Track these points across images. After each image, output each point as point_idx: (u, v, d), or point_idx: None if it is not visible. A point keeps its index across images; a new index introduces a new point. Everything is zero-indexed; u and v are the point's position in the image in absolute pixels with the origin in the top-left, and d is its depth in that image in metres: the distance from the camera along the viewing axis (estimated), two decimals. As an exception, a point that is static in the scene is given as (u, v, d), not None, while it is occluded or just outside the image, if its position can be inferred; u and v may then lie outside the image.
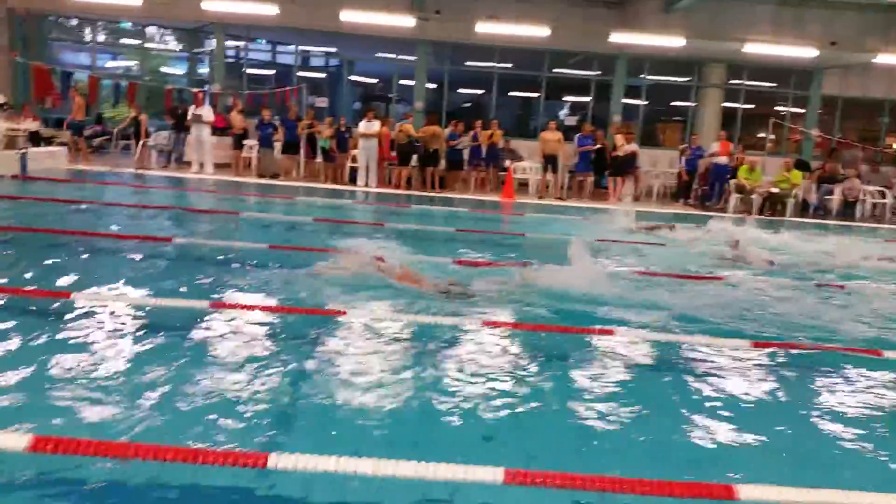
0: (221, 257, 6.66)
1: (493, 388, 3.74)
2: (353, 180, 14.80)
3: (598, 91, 18.45)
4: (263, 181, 14.34)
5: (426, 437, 3.16)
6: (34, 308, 4.62)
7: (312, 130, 14.66)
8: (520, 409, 3.51)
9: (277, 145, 15.01)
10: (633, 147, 15.06)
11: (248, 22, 17.04)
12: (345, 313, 4.79)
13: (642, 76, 18.42)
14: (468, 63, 19.04)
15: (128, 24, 19.18)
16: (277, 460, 2.50)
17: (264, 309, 4.93)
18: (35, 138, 14.84)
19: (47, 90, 15.47)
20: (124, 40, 20.34)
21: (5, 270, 5.66)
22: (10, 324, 4.27)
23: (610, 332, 4.69)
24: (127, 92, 16.04)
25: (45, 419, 3.02)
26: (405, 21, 15.77)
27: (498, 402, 3.57)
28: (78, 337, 4.12)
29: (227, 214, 9.21)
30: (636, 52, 17.22)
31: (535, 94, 18.82)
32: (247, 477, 2.64)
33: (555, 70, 18.35)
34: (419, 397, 3.57)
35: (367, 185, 14.42)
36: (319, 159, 15.04)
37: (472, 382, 3.79)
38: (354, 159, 14.83)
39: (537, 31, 15.62)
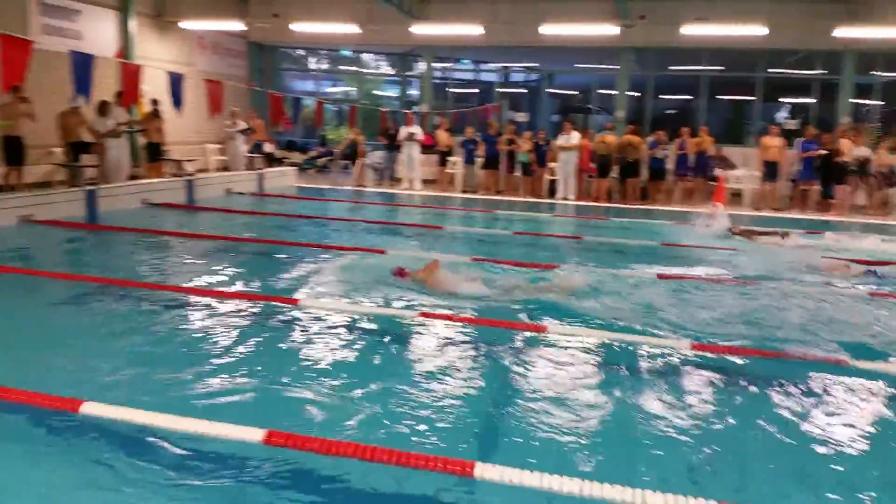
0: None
1: (699, 414, 3.53)
2: (552, 193, 14.79)
3: (823, 91, 16.77)
4: (466, 196, 14.82)
5: (633, 461, 3.06)
6: (268, 312, 5.16)
7: (512, 147, 14.88)
8: (729, 439, 3.28)
9: (479, 160, 15.45)
10: (865, 152, 13.46)
11: (454, 43, 17.74)
12: (545, 329, 4.79)
13: (875, 73, 16.44)
14: (673, 67, 18.25)
15: (347, 52, 20.85)
16: (483, 470, 2.57)
17: (469, 321, 5.07)
18: (269, 159, 16.64)
19: (280, 115, 17.24)
20: (343, 67, 22.14)
21: (245, 277, 6.38)
22: (246, 326, 4.82)
23: (841, 362, 4.23)
24: (349, 115, 17.37)
25: (276, 415, 3.36)
26: (608, 30, 15.48)
27: (704, 429, 3.37)
28: (303, 340, 4.55)
29: (433, 229, 9.65)
30: (867, 47, 15.40)
31: (749, 97, 17.55)
32: (451, 483, 2.73)
33: (771, 70, 16.99)
34: (624, 419, 3.47)
35: (565, 197, 14.33)
36: (518, 173, 15.23)
37: (678, 407, 3.61)
38: (553, 172, 14.83)
39: (753, 31, 14.54)
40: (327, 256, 7.36)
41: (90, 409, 3.08)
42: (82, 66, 8.41)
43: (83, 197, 9.38)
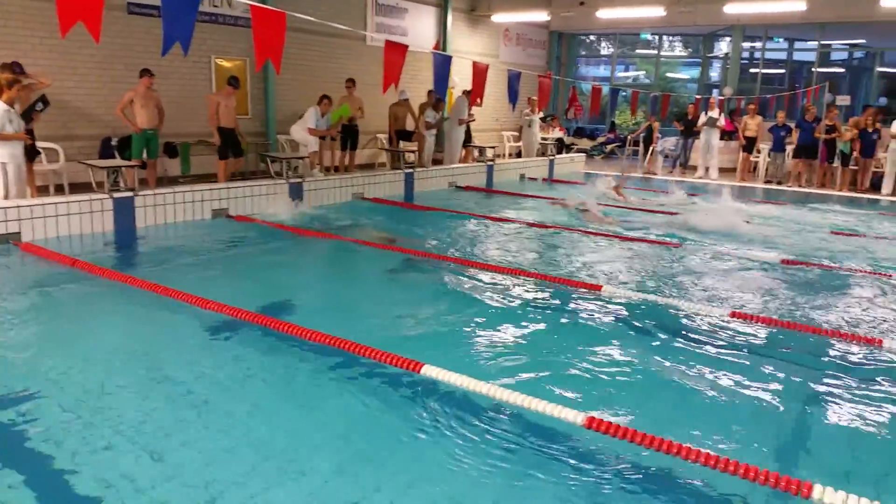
0: (729, 265, 6.65)
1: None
2: (875, 187, 13.02)
3: None
4: (770, 187, 13.66)
5: None
6: (570, 295, 5.35)
7: (833, 135, 13.29)
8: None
9: (789, 149, 14.13)
10: None
11: (768, 21, 16.34)
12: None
13: None
14: None
15: (646, 36, 20.32)
16: (823, 493, 2.42)
17: (774, 323, 4.75)
18: (560, 146, 16.98)
19: (572, 102, 17.51)
20: (640, 51, 21.65)
21: (548, 262, 6.64)
22: (552, 308, 5.05)
23: None
24: (648, 101, 16.94)
25: (595, 399, 3.51)
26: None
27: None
28: (607, 327, 4.65)
29: (753, 223, 9.09)
30: None
31: None
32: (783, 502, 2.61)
33: None
34: None
35: (893, 193, 12.53)
36: (836, 164, 13.60)
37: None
38: (880, 164, 13.02)
39: None
40: (621, 245, 7.42)
41: (428, 371, 3.50)
42: (441, 65, 9.27)
43: (403, 179, 10.54)
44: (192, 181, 9.54)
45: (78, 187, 8.56)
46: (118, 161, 8.47)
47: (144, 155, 9.02)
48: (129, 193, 7.16)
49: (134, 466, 2.72)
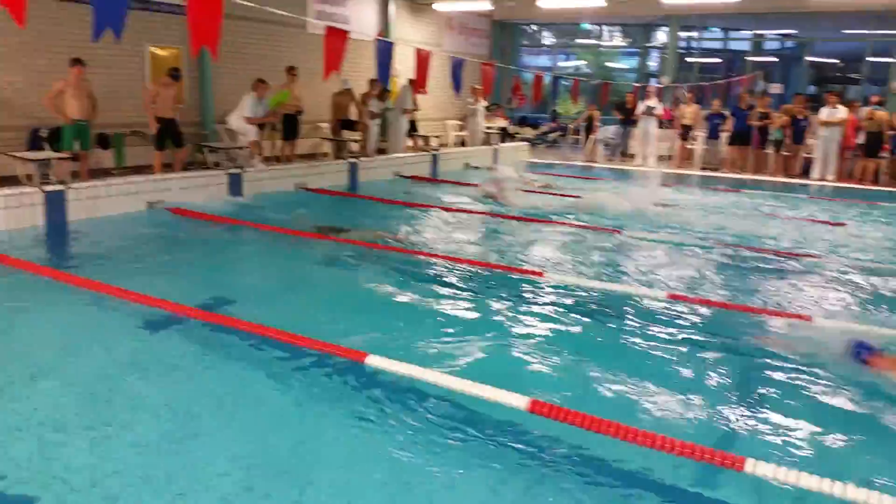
0: (665, 249, 6.83)
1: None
2: (806, 172, 13.54)
3: None
4: (706, 174, 14.05)
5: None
6: (514, 281, 5.41)
7: (765, 122, 13.74)
8: None
9: (724, 136, 14.53)
10: None
11: (704, 11, 16.71)
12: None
13: None
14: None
15: (585, 25, 20.56)
16: (755, 466, 2.52)
17: (709, 303, 4.91)
18: (503, 134, 17.06)
19: (515, 91, 17.58)
20: (579, 40, 21.90)
21: (491, 250, 6.69)
22: (495, 295, 5.09)
23: None
24: (588, 90, 17.14)
25: (538, 384, 3.55)
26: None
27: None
28: (548, 312, 4.71)
29: (668, 208, 9.34)
30: None
31: None
32: (716, 475, 2.70)
33: None
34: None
35: (823, 178, 13.04)
36: (770, 150, 14.08)
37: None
38: (810, 150, 13.55)
39: None
40: (563, 231, 7.53)
41: (373, 361, 3.48)
42: (384, 52, 9.14)
43: (347, 169, 10.43)
44: (126, 173, 9.24)
45: (5, 181, 8.19)
46: (48, 153, 8.14)
47: (77, 146, 8.68)
48: (61, 187, 6.89)
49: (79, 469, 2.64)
